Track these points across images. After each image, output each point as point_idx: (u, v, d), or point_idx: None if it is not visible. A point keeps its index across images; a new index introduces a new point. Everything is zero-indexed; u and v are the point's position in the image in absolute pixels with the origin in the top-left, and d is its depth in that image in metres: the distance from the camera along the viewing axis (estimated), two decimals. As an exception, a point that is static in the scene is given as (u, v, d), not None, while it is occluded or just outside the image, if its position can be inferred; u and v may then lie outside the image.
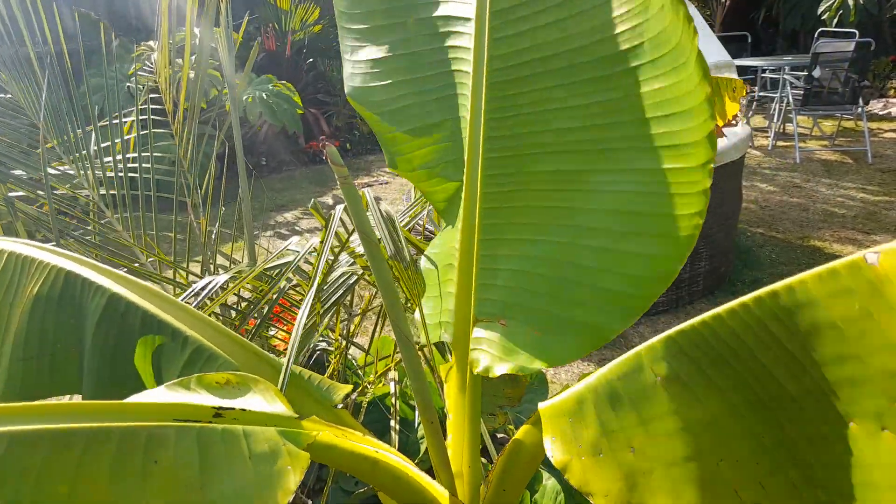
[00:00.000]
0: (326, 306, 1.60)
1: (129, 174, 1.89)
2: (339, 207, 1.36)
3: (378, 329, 1.85)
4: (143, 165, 1.89)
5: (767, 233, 4.92)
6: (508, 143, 0.99)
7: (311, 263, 1.52)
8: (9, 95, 1.99)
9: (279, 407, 0.76)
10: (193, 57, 2.03)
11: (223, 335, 1.02)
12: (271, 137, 7.04)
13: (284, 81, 6.84)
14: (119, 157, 1.92)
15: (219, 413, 0.68)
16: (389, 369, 1.55)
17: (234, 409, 0.71)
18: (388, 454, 0.87)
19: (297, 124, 6.80)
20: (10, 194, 1.74)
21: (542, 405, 0.80)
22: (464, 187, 1.01)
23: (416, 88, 1.07)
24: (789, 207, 5.31)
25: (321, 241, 1.32)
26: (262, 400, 0.76)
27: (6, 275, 1.03)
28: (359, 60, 1.11)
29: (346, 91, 1.11)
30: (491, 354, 0.91)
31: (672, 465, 0.66)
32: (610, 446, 0.69)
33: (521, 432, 0.89)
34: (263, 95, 6.48)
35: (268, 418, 0.73)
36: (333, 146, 0.75)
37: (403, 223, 1.67)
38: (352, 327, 1.93)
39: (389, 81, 1.08)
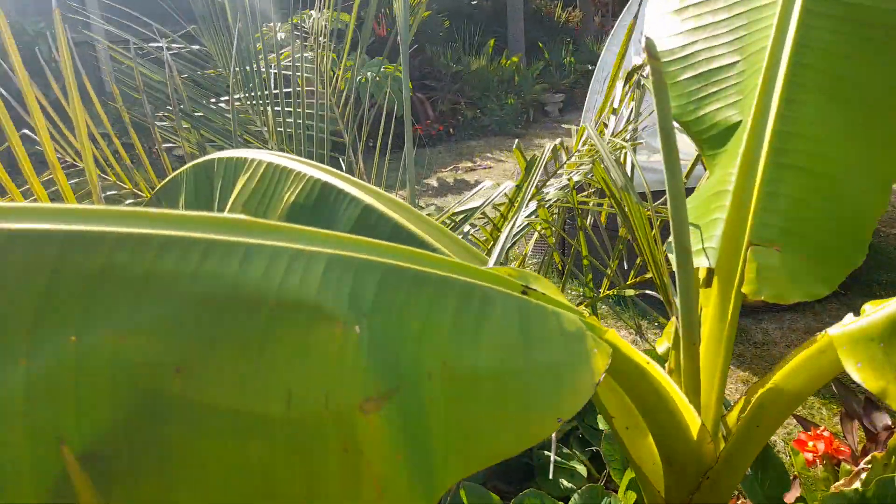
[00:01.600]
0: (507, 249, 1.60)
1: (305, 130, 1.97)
2: (549, 145, 1.36)
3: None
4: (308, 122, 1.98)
5: (906, 234, 4.57)
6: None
7: (497, 210, 1.53)
8: (196, 47, 2.12)
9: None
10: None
11: (467, 251, 1.04)
12: (378, 120, 7.18)
13: (395, 64, 6.97)
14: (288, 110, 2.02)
15: (525, 290, 0.68)
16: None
17: (536, 290, 0.71)
18: (657, 367, 0.86)
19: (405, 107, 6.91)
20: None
21: (832, 331, 0.76)
22: (751, 120, 0.98)
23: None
24: (931, 208, 4.90)
25: (526, 177, 1.32)
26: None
27: (263, 183, 1.08)
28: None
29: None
30: (762, 280, 0.88)
31: None
32: None
33: (797, 362, 0.85)
34: (376, 77, 6.63)
35: (564, 306, 0.73)
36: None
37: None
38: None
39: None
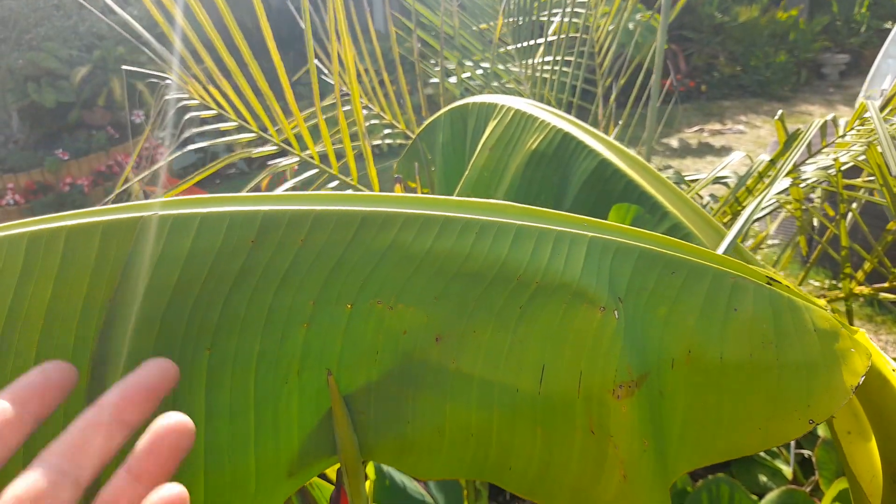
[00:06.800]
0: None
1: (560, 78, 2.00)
2: (818, 121, 1.23)
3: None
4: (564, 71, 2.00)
5: None
6: None
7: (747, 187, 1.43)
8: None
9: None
10: None
11: (704, 220, 1.01)
12: (626, 71, 6.89)
13: (651, 12, 6.58)
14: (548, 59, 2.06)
15: (769, 281, 0.65)
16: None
17: (780, 282, 0.67)
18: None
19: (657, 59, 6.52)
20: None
21: None
22: None
23: None
24: None
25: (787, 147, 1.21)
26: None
27: (509, 130, 1.15)
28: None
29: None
30: None
31: None
32: None
33: None
34: (630, 26, 6.33)
35: (809, 300, 0.68)
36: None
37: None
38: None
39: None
